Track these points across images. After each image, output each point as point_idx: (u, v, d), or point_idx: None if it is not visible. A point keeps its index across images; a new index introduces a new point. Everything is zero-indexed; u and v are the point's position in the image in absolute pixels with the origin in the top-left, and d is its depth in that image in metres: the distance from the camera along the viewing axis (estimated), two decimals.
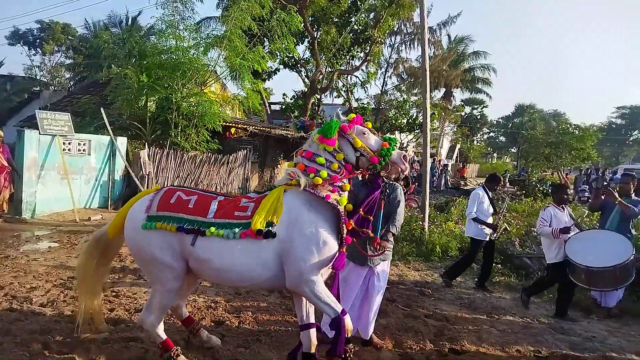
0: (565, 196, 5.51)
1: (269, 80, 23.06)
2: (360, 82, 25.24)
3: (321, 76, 22.06)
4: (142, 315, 3.27)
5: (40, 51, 33.72)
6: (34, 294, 4.73)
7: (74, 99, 16.40)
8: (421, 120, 17.85)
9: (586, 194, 17.43)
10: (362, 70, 24.26)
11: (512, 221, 9.41)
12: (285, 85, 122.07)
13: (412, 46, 28.79)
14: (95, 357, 3.34)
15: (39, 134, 9.32)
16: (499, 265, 7.19)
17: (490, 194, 6.30)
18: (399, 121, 22.53)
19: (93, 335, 3.63)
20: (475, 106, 44.41)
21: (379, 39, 22.35)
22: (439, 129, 32.07)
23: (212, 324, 4.27)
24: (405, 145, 22.60)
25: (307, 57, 22.71)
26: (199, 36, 13.10)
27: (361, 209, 3.39)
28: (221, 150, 13.67)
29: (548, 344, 4.34)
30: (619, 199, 5.36)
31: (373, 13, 22.40)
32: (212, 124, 12.51)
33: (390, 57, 29.27)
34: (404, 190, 4.07)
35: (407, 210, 8.75)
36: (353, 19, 20.07)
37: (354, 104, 24.40)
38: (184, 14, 12.61)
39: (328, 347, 3.08)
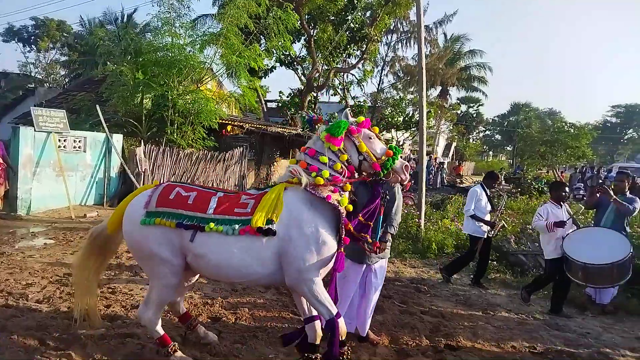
0: (564, 194, 5.54)
1: (265, 77, 23.11)
2: (356, 80, 25.34)
3: (317, 74, 22.05)
4: (140, 311, 3.27)
5: (35, 48, 33.57)
6: (30, 290, 4.73)
7: (69, 96, 16.31)
8: (417, 118, 17.99)
9: (581, 192, 17.55)
10: (358, 68, 24.33)
11: (508, 218, 9.45)
12: (281, 83, 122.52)
13: (408, 44, 29.03)
14: (91, 353, 3.34)
15: (34, 130, 9.27)
16: (495, 263, 7.23)
17: (488, 191, 6.33)
18: (395, 119, 22.53)
19: (89, 331, 3.62)
20: (471, 104, 44.59)
21: (376, 37, 22.36)
22: (435, 127, 32.10)
23: (209, 320, 4.28)
24: (401, 143, 22.59)
25: (303, 55, 22.68)
26: (195, 33, 13.00)
27: (360, 216, 3.32)
28: (217, 148, 13.62)
29: (543, 340, 4.36)
30: (614, 196, 5.41)
31: (369, 11, 22.45)
32: (208, 121, 12.46)
33: (386, 55, 29.45)
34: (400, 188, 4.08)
35: (404, 207, 8.78)
36: (349, 17, 20.06)
37: (351, 102, 24.42)
38: (180, 11, 12.55)
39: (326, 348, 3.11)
